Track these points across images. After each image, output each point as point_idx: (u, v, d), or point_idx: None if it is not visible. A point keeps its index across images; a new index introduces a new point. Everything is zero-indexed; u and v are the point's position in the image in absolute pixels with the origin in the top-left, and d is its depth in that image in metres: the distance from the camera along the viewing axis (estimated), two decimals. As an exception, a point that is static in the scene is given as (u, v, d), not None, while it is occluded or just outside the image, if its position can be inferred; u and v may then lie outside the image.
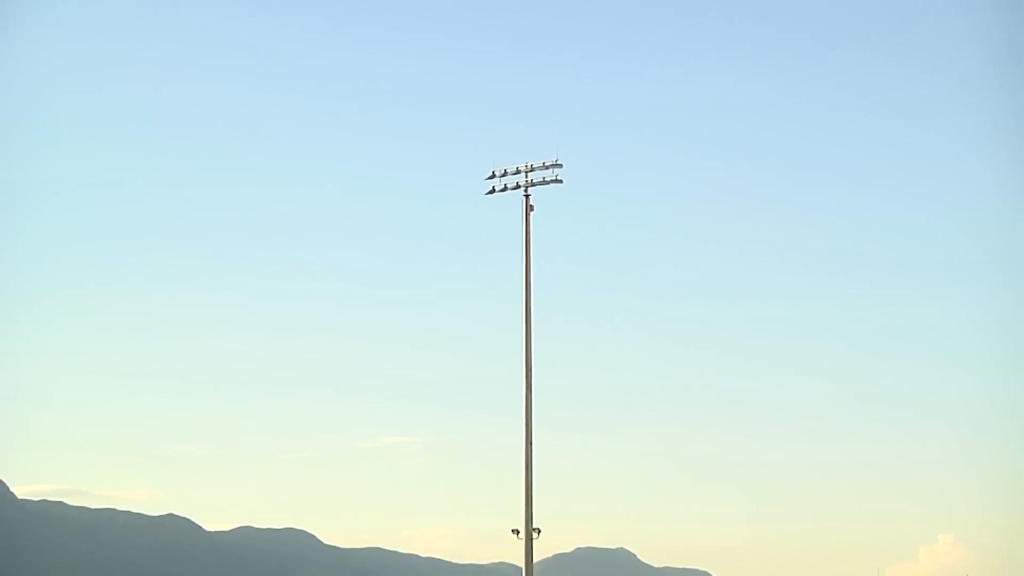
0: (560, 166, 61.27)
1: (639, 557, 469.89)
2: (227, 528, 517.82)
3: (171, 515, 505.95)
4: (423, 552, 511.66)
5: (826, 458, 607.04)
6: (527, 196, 62.07)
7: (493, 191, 62.92)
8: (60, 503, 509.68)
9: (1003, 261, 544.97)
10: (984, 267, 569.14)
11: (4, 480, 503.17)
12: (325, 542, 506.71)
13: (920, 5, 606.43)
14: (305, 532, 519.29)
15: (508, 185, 62.38)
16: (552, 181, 61.43)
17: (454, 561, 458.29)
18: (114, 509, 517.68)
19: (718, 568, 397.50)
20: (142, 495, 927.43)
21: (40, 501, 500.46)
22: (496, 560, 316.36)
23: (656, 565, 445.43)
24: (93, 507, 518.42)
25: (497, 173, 62.54)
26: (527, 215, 62.15)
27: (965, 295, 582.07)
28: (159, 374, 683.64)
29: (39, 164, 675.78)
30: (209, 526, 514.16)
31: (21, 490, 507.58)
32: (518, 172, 62.15)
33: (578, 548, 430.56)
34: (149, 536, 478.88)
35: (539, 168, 61.71)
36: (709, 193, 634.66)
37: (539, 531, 61.52)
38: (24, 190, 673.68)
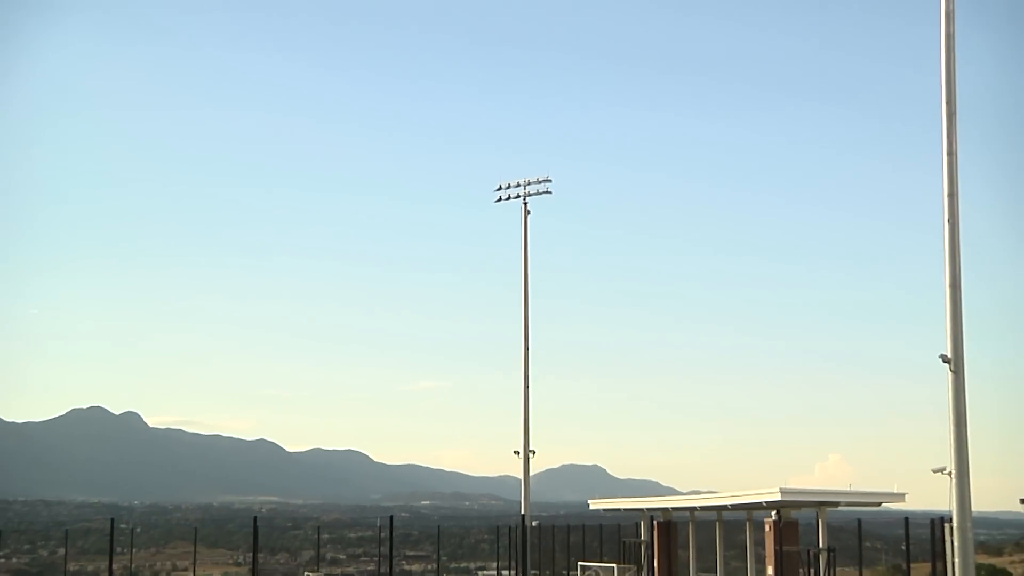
0: (550, 181, 61.05)
1: (608, 471, 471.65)
2: (303, 449, 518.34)
3: (262, 439, 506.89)
4: (448, 467, 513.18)
5: (748, 396, 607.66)
6: (525, 203, 61.57)
7: (500, 200, 62.38)
8: (180, 430, 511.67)
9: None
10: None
11: (139, 412, 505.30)
12: (375, 460, 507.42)
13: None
14: (360, 452, 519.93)
15: (511, 195, 61.86)
16: (544, 192, 61.10)
17: (471, 474, 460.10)
18: (220, 435, 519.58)
19: (663, 478, 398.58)
20: (241, 424, 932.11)
21: (165, 428, 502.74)
22: (502, 473, 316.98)
23: (620, 477, 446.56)
24: (204, 433, 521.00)
25: (503, 186, 62.08)
26: (525, 217, 61.73)
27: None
28: (254, 335, 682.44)
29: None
30: (290, 448, 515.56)
31: (151, 420, 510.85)
32: (519, 185, 61.65)
33: (563, 465, 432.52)
34: (245, 455, 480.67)
35: (534, 182, 61.29)
36: (672, 201, 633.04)
37: (534, 452, 61.06)
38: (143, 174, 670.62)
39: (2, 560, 74.48)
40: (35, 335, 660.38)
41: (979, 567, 44.11)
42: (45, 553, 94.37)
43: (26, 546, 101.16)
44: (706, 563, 51.24)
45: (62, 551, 69.50)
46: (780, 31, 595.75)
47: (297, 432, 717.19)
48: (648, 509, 53.35)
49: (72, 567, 69.28)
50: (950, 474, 40.56)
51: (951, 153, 37.76)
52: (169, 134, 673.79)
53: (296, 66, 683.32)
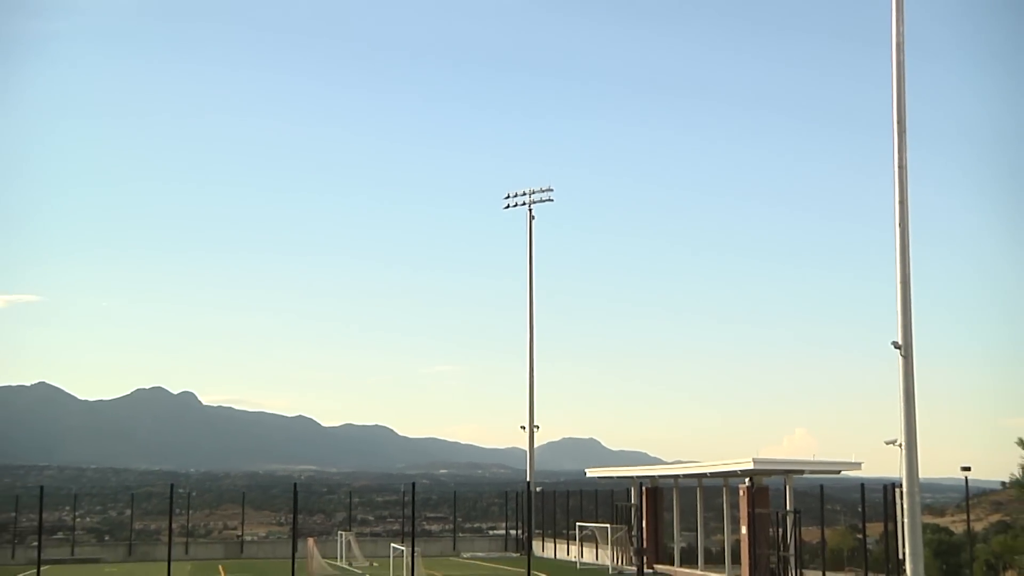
0: (552, 190, 60.94)
1: (603, 443, 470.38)
2: (337, 424, 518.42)
3: (301, 415, 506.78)
4: (462, 440, 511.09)
5: (726, 377, 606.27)
6: (530, 210, 61.51)
7: (508, 207, 62.31)
8: (230, 407, 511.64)
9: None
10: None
11: (195, 392, 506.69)
12: (399, 433, 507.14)
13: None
14: (386, 427, 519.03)
15: (518, 203, 61.79)
16: (547, 200, 60.99)
17: (483, 446, 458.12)
18: (264, 412, 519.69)
19: (651, 449, 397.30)
20: (282, 402, 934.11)
21: (217, 406, 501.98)
22: (510, 445, 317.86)
23: (614, 449, 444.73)
24: (251, 410, 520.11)
25: (510, 195, 61.94)
26: (530, 222, 61.64)
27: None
28: (295, 325, 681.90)
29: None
30: (325, 423, 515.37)
31: (205, 398, 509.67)
32: (524, 194, 61.57)
33: (563, 438, 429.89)
34: (286, 429, 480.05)
35: (538, 192, 61.16)
36: (656, 206, 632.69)
37: (538, 427, 61.05)
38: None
39: (78, 519, 74.75)
40: (105, 325, 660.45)
41: (924, 526, 44.09)
42: (114, 514, 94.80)
43: (98, 507, 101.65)
44: (688, 524, 51.27)
45: (128, 512, 69.67)
46: (759, 56, 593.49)
47: (331, 409, 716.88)
48: (638, 477, 53.32)
49: (137, 526, 69.60)
50: (900, 445, 40.55)
51: (901, 167, 37.72)
52: (210, 140, 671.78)
53: (332, 88, 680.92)
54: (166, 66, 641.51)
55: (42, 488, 39.05)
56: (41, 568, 37.40)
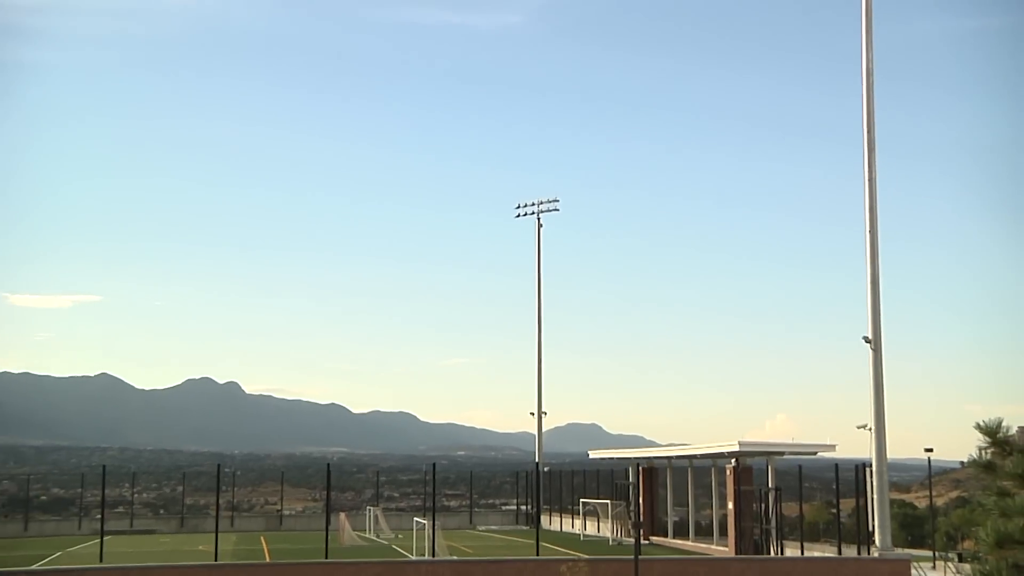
0: (558, 201, 61.00)
1: (603, 428, 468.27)
2: (365, 411, 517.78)
3: (333, 403, 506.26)
4: (478, 425, 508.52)
5: (715, 368, 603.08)
6: (539, 218, 61.62)
7: (519, 215, 62.42)
8: (270, 395, 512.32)
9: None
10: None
11: (239, 382, 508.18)
12: (421, 419, 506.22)
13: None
14: (410, 413, 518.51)
15: (527, 212, 61.89)
16: (553, 210, 61.06)
17: (497, 430, 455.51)
18: (300, 400, 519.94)
19: (647, 433, 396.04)
20: (317, 391, 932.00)
21: (258, 394, 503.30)
22: (521, 430, 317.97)
23: (613, 433, 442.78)
24: (289, 398, 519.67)
25: (521, 205, 62.03)
26: (539, 230, 61.73)
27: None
28: (327, 321, 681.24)
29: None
30: (355, 409, 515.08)
31: (248, 388, 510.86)
32: (533, 204, 61.66)
33: (568, 423, 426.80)
34: (320, 415, 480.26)
35: (546, 202, 61.26)
36: (650, 212, 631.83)
37: (546, 413, 61.22)
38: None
39: (136, 495, 75.07)
40: (159, 321, 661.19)
41: (892, 502, 44.04)
42: (167, 490, 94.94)
43: (153, 485, 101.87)
44: (680, 500, 51.18)
45: (180, 489, 69.89)
46: (747, 77, 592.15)
47: (360, 397, 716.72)
48: (635, 458, 53.34)
49: (188, 501, 69.85)
50: (870, 429, 40.46)
51: (871, 180, 37.68)
52: (252, 155, 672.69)
53: (376, 110, 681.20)
54: (212, 80, 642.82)
55: (104, 468, 39.27)
56: (104, 538, 37.59)
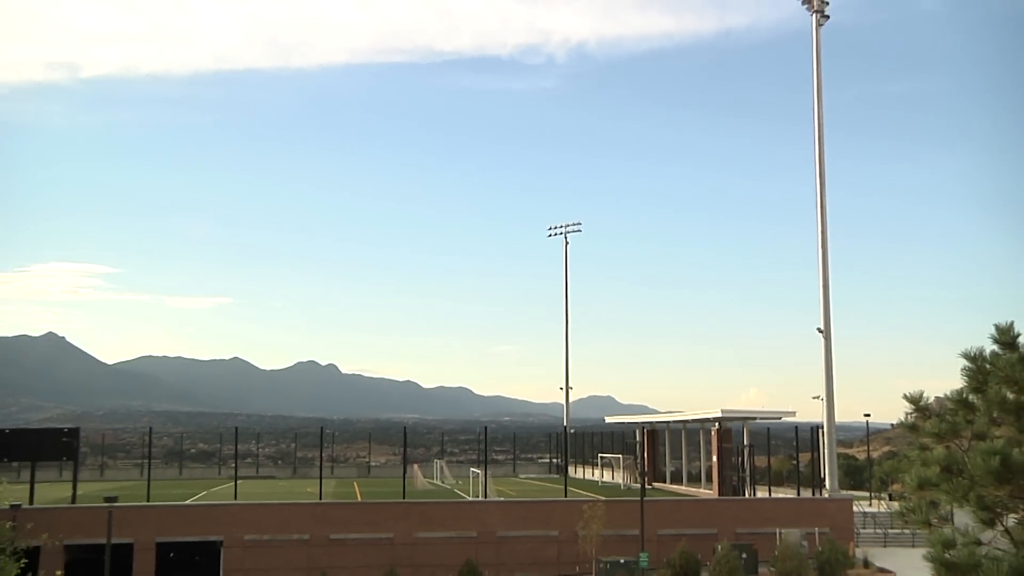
0: (580, 223, 61.06)
1: (616, 399, 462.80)
2: (433, 386, 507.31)
3: (408, 380, 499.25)
4: (520, 397, 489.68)
5: (704, 350, 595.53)
6: (566, 238, 61.65)
7: (550, 235, 62.45)
8: (360, 374, 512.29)
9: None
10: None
11: (336, 363, 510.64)
12: (476, 392, 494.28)
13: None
14: (467, 388, 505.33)
15: (556, 232, 61.85)
16: (577, 231, 61.09)
17: (534, 401, 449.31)
18: (383, 377, 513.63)
19: (650, 402, 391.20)
20: (396, 369, 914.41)
21: (352, 373, 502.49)
22: (553, 400, 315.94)
23: (624, 402, 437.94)
24: (374, 376, 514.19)
25: (551, 227, 62.06)
26: (566, 247, 61.69)
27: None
28: (406, 316, 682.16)
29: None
30: (425, 385, 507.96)
31: (344, 368, 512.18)
32: (561, 226, 61.70)
33: (589, 395, 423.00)
34: (398, 389, 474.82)
35: (571, 225, 61.27)
36: (654, 230, 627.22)
37: (572, 387, 61.32)
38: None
39: (260, 450, 76.37)
40: (276, 317, 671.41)
41: (838, 455, 43.57)
42: (283, 446, 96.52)
43: (272, 442, 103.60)
44: (675, 455, 51.03)
45: (293, 445, 71.06)
46: (727, 126, 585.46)
47: (430, 374, 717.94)
48: (641, 422, 53.20)
49: (299, 455, 70.96)
50: (822, 400, 40.00)
51: (822, 207, 37.27)
52: (347, 182, 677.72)
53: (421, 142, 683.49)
54: (327, 141, 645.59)
55: (236, 429, 40.18)
56: (237, 481, 38.44)
